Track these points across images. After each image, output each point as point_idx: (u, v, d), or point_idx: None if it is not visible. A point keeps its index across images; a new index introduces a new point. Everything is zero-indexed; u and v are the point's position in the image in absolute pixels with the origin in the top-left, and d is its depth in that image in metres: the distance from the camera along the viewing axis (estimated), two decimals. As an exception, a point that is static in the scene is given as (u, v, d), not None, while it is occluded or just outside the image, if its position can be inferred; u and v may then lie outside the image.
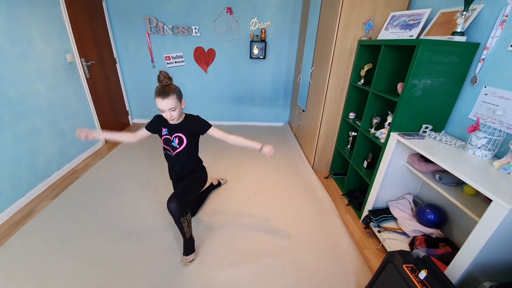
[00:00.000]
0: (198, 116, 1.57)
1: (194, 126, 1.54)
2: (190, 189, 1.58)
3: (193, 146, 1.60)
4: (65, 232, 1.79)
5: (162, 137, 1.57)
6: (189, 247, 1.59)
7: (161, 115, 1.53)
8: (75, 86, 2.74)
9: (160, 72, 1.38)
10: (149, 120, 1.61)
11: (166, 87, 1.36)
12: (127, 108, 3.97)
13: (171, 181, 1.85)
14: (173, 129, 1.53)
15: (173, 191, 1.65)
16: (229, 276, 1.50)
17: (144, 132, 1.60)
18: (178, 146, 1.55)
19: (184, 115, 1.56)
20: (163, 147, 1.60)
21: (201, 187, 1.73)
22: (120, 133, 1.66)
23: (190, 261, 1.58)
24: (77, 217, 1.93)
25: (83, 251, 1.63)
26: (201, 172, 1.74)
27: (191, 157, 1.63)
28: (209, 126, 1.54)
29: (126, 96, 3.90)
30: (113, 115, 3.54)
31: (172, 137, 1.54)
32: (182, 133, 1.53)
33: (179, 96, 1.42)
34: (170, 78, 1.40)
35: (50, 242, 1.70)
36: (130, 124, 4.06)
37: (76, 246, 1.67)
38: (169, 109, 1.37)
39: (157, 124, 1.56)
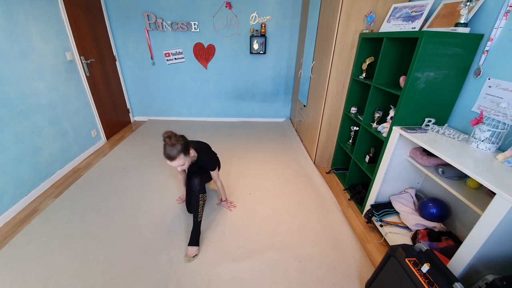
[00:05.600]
0: (209, 152, 1.80)
1: (204, 165, 1.76)
2: (207, 173, 1.81)
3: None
4: (69, 229, 1.80)
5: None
6: (195, 235, 1.64)
7: None
8: (75, 84, 2.73)
9: (164, 134, 1.44)
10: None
11: (172, 150, 1.42)
12: (128, 106, 3.96)
13: (178, 176, 2.02)
14: (191, 166, 1.71)
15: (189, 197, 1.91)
16: (232, 272, 1.51)
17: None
18: (196, 169, 1.80)
19: (196, 154, 1.66)
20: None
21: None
22: (182, 179, 2.01)
23: (194, 256, 1.59)
24: (80, 215, 1.94)
25: (87, 248, 1.65)
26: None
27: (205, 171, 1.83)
28: (214, 169, 1.79)
29: (126, 94, 3.89)
30: (114, 113, 3.54)
31: (192, 170, 1.80)
32: (197, 169, 1.78)
33: (186, 152, 1.49)
34: (175, 137, 1.44)
35: (54, 239, 1.72)
36: (131, 122, 4.06)
37: (80, 243, 1.69)
38: (177, 166, 1.49)
39: None
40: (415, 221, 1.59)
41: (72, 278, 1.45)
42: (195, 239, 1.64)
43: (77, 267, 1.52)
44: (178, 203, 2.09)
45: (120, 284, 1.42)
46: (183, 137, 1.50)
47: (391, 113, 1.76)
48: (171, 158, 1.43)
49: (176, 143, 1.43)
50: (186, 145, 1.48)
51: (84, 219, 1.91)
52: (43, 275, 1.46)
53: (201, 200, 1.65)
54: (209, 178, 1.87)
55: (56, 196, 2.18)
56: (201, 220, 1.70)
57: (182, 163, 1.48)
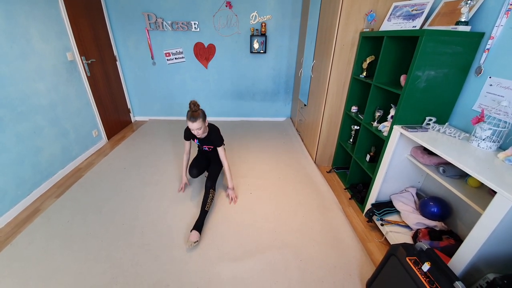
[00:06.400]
0: (217, 132, 2.09)
1: (213, 139, 2.07)
2: (216, 172, 2.14)
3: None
4: (71, 229, 1.81)
5: (197, 145, 2.22)
6: (200, 222, 1.78)
7: (189, 129, 2.04)
8: (76, 84, 2.74)
9: (190, 101, 1.84)
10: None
11: (194, 113, 1.81)
12: (129, 106, 3.97)
13: (190, 165, 2.20)
14: (202, 141, 2.11)
15: (193, 166, 2.16)
16: (232, 271, 1.51)
17: (187, 144, 2.16)
18: (208, 150, 2.20)
19: (207, 129, 2.04)
20: (198, 146, 2.24)
21: (221, 167, 2.20)
22: (184, 161, 2.22)
23: (195, 242, 1.63)
24: (82, 215, 1.95)
25: (89, 248, 1.65)
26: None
27: (215, 150, 2.16)
28: (221, 144, 2.07)
29: (127, 94, 3.90)
30: (115, 113, 3.54)
31: (203, 146, 2.17)
32: (209, 145, 2.14)
33: (204, 119, 1.88)
34: (198, 105, 1.85)
35: (55, 239, 1.72)
36: (132, 122, 4.06)
37: (81, 243, 1.69)
38: (196, 128, 1.85)
39: (189, 135, 2.08)
40: (416, 220, 1.59)
41: (74, 278, 1.46)
42: (199, 225, 1.75)
43: (78, 267, 1.53)
44: (178, 191, 2.23)
45: (121, 284, 1.42)
46: (202, 109, 1.90)
47: (392, 112, 1.76)
48: (193, 120, 1.80)
49: (198, 109, 1.84)
50: (204, 114, 1.89)
51: (85, 219, 1.91)
52: (44, 275, 1.47)
53: (211, 194, 1.94)
54: (219, 171, 2.18)
55: (58, 196, 2.19)
56: (208, 211, 1.87)
57: (199, 126, 1.83)
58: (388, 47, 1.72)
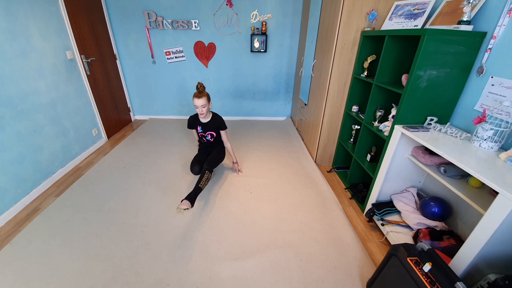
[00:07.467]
0: (221, 117, 2.34)
1: (217, 124, 2.31)
2: (215, 160, 2.28)
3: (218, 136, 2.38)
4: (71, 228, 1.81)
5: (199, 133, 2.36)
6: (193, 195, 1.82)
7: (193, 117, 2.32)
8: (75, 83, 2.73)
9: (198, 82, 2.13)
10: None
11: (201, 92, 2.09)
12: (129, 105, 3.96)
13: (191, 162, 2.34)
14: (205, 127, 2.30)
15: (194, 163, 2.30)
16: (233, 270, 1.51)
17: (193, 131, 2.43)
18: (210, 139, 2.37)
19: (211, 114, 2.30)
20: (200, 136, 2.39)
21: (221, 159, 2.40)
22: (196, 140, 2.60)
23: (184, 209, 1.69)
24: (81, 214, 1.95)
25: (89, 247, 1.65)
26: (222, 150, 2.45)
27: (216, 142, 2.41)
28: (225, 128, 2.34)
29: (127, 93, 3.89)
30: (115, 112, 3.54)
31: (206, 133, 2.33)
32: (212, 131, 2.32)
33: (208, 99, 2.15)
34: (204, 87, 2.14)
35: (56, 238, 1.72)
36: (132, 120, 4.05)
37: (81, 242, 1.69)
38: (201, 105, 2.09)
39: (193, 123, 2.34)
40: (417, 220, 1.59)
41: (74, 277, 1.46)
42: (191, 196, 1.80)
43: (78, 266, 1.52)
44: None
45: (121, 283, 1.42)
46: (207, 92, 2.16)
47: (393, 111, 1.76)
48: (199, 96, 2.06)
49: (203, 90, 2.13)
50: (208, 95, 2.16)
51: (85, 218, 1.91)
52: (44, 274, 1.47)
53: (207, 175, 2.03)
54: (218, 162, 2.33)
55: (57, 195, 2.19)
56: (202, 188, 1.94)
57: (204, 103, 2.09)
58: (390, 46, 1.71)
